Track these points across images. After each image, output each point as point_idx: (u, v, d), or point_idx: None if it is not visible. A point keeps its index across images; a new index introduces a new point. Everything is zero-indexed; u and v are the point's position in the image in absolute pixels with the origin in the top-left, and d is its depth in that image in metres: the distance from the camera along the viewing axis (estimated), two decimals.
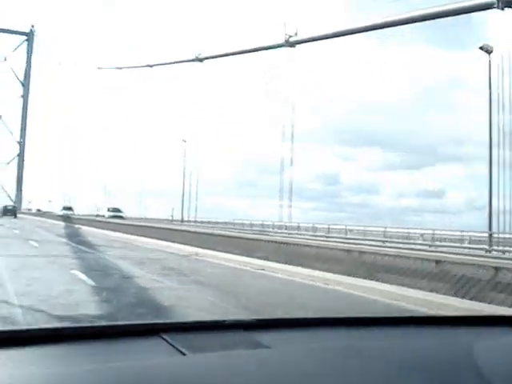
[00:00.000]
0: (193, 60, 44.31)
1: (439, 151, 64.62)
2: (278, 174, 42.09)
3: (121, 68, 66.83)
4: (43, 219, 54.10)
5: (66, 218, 48.50)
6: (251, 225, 44.87)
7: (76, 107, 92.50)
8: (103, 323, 1.80)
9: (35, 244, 19.85)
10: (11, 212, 62.88)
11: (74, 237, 26.76)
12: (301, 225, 40.84)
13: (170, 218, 59.20)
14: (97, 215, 58.37)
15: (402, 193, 71.61)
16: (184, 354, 1.46)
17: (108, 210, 59.73)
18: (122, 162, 76.02)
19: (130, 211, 62.41)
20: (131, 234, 26.74)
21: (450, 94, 64.93)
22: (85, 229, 34.81)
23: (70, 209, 68.11)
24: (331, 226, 38.11)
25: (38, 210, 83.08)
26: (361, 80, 59.69)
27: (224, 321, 1.83)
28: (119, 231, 28.96)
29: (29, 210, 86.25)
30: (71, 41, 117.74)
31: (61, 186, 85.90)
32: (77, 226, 38.91)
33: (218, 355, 1.48)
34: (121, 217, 52.97)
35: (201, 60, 43.85)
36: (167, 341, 1.54)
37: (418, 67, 66.46)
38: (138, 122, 78.21)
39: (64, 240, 24.01)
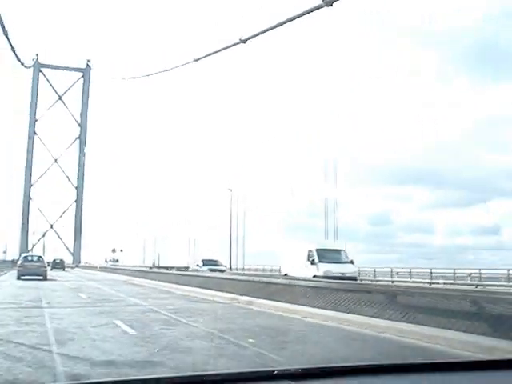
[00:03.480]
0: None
1: (491, 186, 59.99)
2: (323, 216, 39.63)
3: (168, 70, 58.77)
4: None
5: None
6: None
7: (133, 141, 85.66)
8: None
9: None
10: (60, 265, 60.43)
11: None
12: None
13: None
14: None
15: (456, 231, 68.48)
16: None
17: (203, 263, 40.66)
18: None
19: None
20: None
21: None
22: None
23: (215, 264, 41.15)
24: (377, 269, 36.17)
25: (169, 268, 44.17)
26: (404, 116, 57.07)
27: (272, 371, 2.02)
28: None
29: (114, 261, 69.69)
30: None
31: (124, 236, 76.21)
32: None
33: None
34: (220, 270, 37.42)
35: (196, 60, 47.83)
36: None
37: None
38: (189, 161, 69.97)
39: None
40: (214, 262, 40.91)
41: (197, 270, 36.16)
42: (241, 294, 15.28)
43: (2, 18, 57.03)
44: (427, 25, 78.14)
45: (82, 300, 16.26)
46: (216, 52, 44.88)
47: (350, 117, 56.98)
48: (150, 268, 42.94)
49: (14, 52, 69.47)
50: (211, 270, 33.36)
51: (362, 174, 71.48)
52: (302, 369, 2.00)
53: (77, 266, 72.49)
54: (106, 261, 73.49)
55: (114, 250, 71.03)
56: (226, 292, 16.45)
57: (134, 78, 75.29)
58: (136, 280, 30.43)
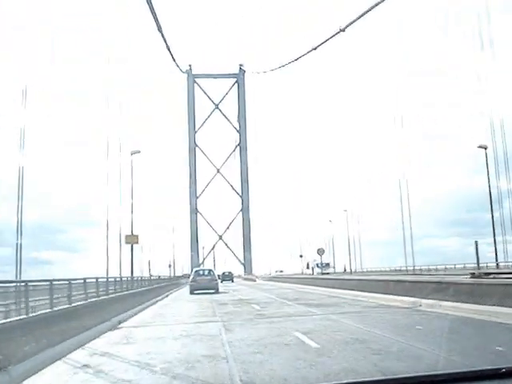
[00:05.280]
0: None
1: None
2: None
3: (316, 48, 55.19)
4: None
5: None
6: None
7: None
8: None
9: None
10: (228, 277, 63.94)
11: None
12: None
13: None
14: None
15: None
16: None
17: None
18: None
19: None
20: None
21: None
22: None
23: None
24: None
25: None
26: None
27: (499, 368, 1.96)
28: None
29: (323, 267, 46.01)
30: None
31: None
32: None
33: None
34: None
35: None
36: None
37: None
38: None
39: None
40: None
41: None
42: None
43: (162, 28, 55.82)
44: None
45: None
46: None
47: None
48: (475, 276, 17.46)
49: (172, 56, 68.37)
50: None
51: None
52: (471, 371, 1.94)
53: (257, 278, 66.72)
54: (308, 267, 57.04)
55: (320, 251, 43.89)
56: None
57: (272, 70, 73.31)
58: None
